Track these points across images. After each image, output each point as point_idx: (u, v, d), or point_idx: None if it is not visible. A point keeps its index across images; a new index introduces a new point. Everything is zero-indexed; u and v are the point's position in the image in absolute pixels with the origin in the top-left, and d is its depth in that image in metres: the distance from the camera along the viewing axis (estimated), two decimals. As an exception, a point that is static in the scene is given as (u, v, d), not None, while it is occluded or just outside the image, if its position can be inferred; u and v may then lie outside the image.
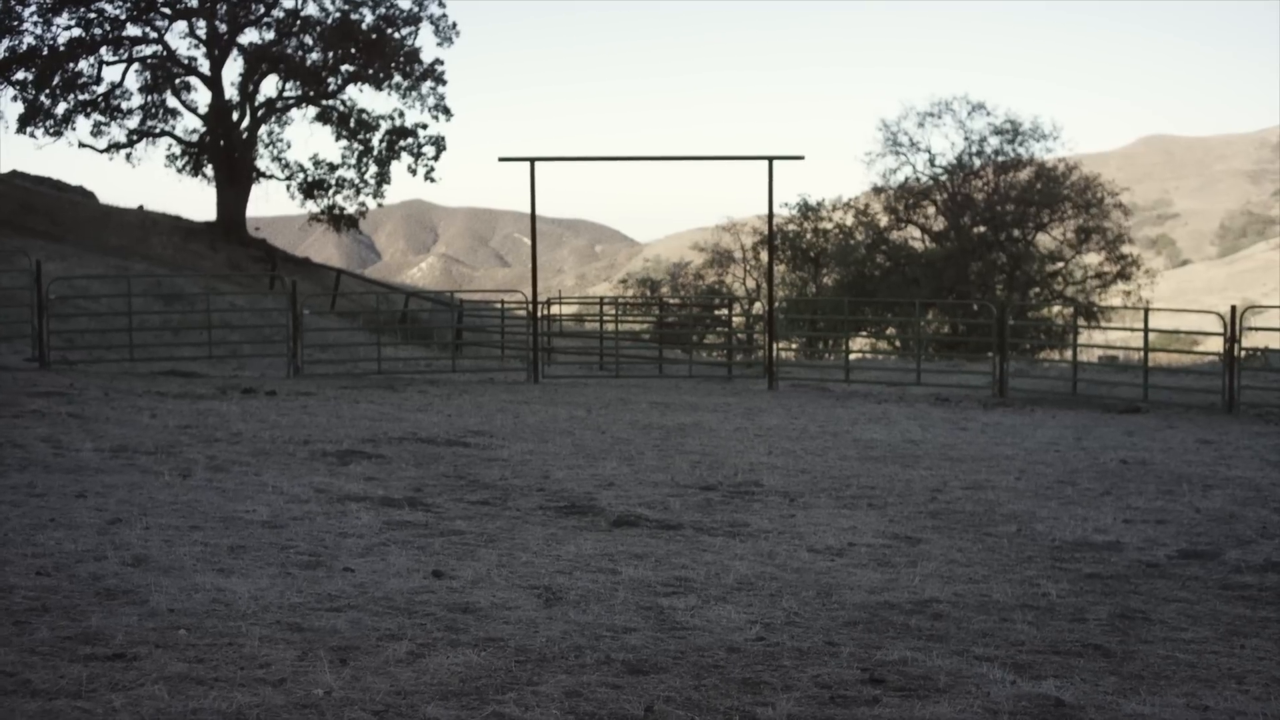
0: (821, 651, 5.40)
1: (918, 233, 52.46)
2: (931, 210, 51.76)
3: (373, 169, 45.08)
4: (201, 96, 44.81)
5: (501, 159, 22.81)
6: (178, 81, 44.38)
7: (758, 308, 44.81)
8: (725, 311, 40.48)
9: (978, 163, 50.34)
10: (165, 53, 43.54)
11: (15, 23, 41.15)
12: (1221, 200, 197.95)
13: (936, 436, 14.47)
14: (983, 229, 50.13)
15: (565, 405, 17.23)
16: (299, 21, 43.71)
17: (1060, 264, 50.59)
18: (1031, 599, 6.56)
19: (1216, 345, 34.50)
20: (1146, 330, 20.11)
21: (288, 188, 45.43)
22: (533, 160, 22.10)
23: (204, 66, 43.98)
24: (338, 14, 43.31)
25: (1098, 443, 14.25)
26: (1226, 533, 8.64)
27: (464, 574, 6.56)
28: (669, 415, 16.19)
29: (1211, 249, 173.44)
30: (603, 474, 10.61)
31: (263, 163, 45.38)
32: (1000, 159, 50.13)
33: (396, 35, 43.91)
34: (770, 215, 23.64)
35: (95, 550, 6.59)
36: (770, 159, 22.26)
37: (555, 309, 29.60)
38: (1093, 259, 51.12)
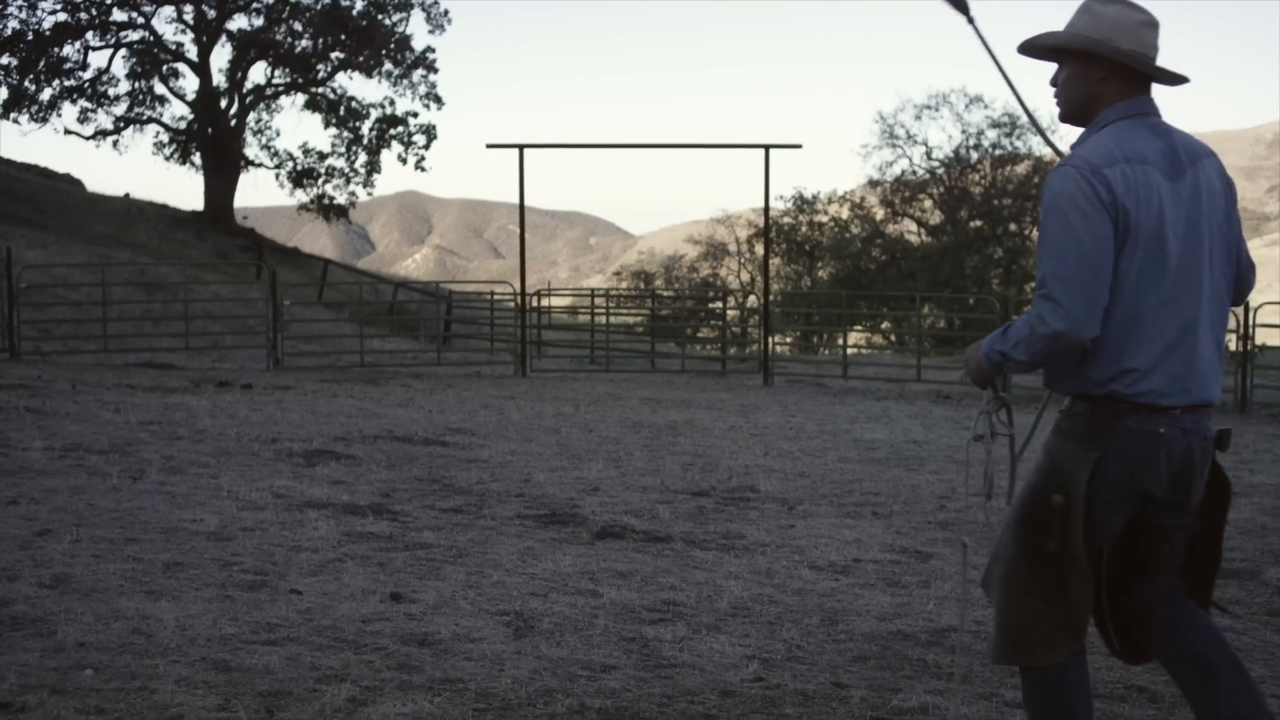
0: (829, 696, 4.70)
1: (914, 226, 51.79)
2: (928, 204, 51.06)
3: (363, 158, 44.36)
4: (189, 83, 44.13)
5: (489, 145, 22.06)
6: (165, 68, 43.64)
7: (751, 300, 44.20)
8: (720, 305, 39.75)
9: (975, 156, 49.61)
10: (152, 38, 42.81)
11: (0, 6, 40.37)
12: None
13: (940, 437, 13.78)
14: (979, 223, 49.44)
15: (552, 401, 16.54)
16: (288, 7, 42.93)
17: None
18: (1060, 628, 5.87)
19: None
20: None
21: (276, 176, 44.75)
22: (521, 147, 21.37)
23: (191, 53, 43.29)
24: (327, 0, 42.54)
25: (1109, 445, 13.56)
26: (1261, 547, 7.96)
27: (425, 597, 5.85)
28: (660, 412, 15.50)
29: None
30: (588, 477, 9.92)
31: (251, 151, 44.71)
32: (998, 152, 49.39)
33: (387, 22, 43.18)
34: (766, 205, 22.94)
35: (11, 568, 5.86)
36: (767, 147, 21.55)
37: (546, 301, 28.89)
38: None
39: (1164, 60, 3.53)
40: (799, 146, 22.17)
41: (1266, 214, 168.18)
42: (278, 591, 5.78)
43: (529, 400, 16.55)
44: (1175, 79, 3.55)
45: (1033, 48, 3.64)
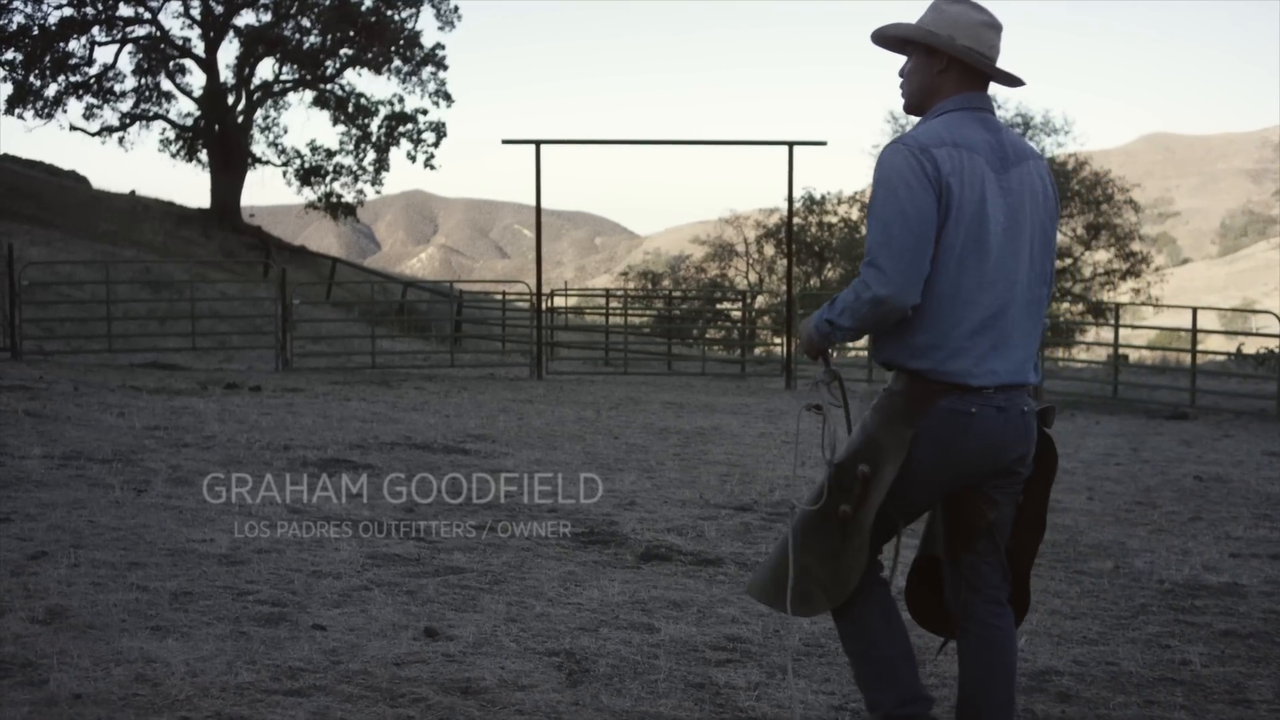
0: (937, 759, 4.09)
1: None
2: (941, 204, 50.36)
3: (371, 155, 43.77)
4: (196, 79, 43.56)
5: (505, 141, 21.47)
6: (172, 64, 43.08)
7: (760, 301, 43.54)
8: (737, 305, 39.10)
9: (989, 156, 48.88)
10: (159, 33, 42.25)
11: (4, 0, 39.79)
12: (1222, 199, 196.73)
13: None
14: (994, 224, 48.75)
15: (572, 405, 15.93)
16: (296, 3, 42.33)
17: (1069, 260, 49.28)
18: (1171, 669, 5.26)
19: (1219, 344, 33.03)
20: (1195, 331, 18.81)
21: (284, 174, 44.16)
22: (538, 142, 20.76)
23: (199, 48, 42.73)
24: (336, -4, 41.94)
25: (1157, 454, 12.97)
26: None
27: (464, 632, 5.24)
28: (685, 417, 14.90)
29: (1212, 248, 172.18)
30: (621, 489, 9.30)
31: (258, 148, 44.14)
32: (1011, 152, 48.66)
33: (397, 18, 42.57)
34: (790, 203, 22.41)
35: (0, 600, 5.26)
36: (791, 144, 20.96)
37: (561, 301, 28.28)
38: (1102, 256, 49.90)
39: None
40: (824, 144, 21.64)
41: (1273, 217, 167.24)
42: (299, 627, 5.16)
43: (548, 404, 15.94)
44: (1011, 80, 3.71)
45: (882, 37, 3.78)
